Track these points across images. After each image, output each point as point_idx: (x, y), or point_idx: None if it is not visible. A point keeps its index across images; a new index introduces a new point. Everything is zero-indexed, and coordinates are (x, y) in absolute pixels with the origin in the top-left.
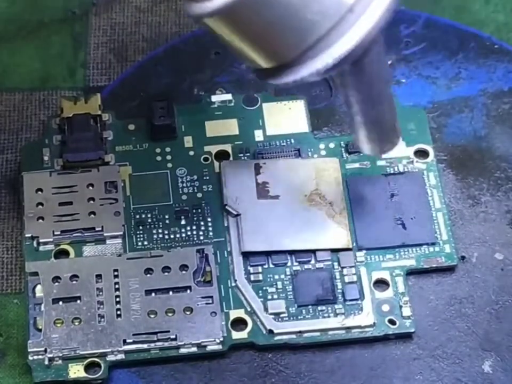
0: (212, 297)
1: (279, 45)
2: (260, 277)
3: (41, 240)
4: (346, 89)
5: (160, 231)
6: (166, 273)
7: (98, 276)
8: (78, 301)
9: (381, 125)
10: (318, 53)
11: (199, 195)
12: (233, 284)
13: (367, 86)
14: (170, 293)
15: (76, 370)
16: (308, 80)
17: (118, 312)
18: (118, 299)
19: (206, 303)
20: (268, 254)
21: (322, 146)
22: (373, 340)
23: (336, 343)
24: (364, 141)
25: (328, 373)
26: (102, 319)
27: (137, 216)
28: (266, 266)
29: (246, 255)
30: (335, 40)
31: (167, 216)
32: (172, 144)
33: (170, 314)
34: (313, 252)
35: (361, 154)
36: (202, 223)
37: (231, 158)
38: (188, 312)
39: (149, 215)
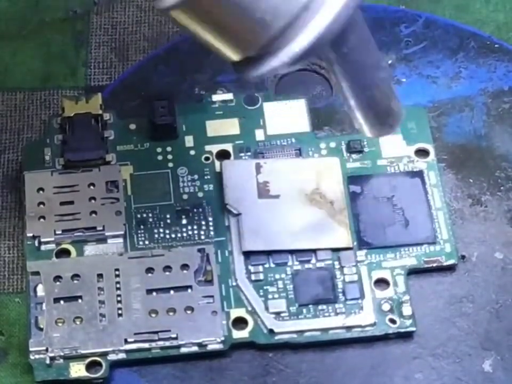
0: (212, 296)
1: (239, 39)
2: (261, 276)
3: (42, 240)
4: (336, 77)
5: (161, 230)
6: (167, 273)
7: (100, 275)
8: (79, 300)
9: (375, 109)
10: (276, 51)
11: (200, 194)
12: (234, 283)
13: (354, 73)
14: (171, 292)
15: (77, 370)
16: (278, 72)
17: (119, 312)
18: (119, 298)
19: (207, 302)
20: (269, 253)
21: (323, 145)
22: (373, 339)
23: (337, 342)
24: (361, 122)
25: (328, 372)
26: (103, 318)
27: (138, 216)
28: (267, 265)
29: (247, 254)
30: (291, 38)
31: (168, 216)
32: (172, 144)
33: (171, 314)
34: (314, 251)
35: (362, 153)
36: (203, 222)
37: (232, 158)
38: (188, 312)
39: (150, 215)
